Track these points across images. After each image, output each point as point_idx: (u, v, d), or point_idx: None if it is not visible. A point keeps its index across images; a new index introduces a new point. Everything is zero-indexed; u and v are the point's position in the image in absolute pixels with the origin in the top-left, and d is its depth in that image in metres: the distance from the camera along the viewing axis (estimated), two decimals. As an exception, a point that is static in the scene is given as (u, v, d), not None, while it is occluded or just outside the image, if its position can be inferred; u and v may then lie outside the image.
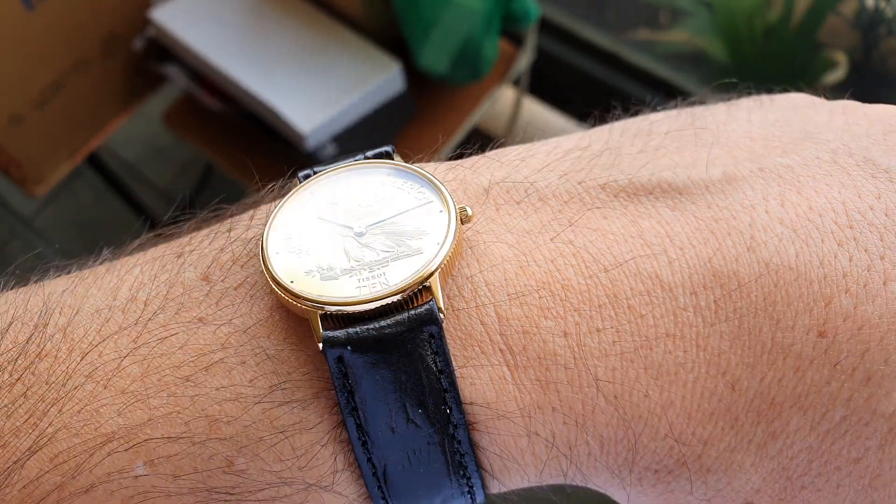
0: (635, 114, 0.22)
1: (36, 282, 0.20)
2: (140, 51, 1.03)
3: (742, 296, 0.16)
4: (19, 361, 0.17)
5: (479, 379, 0.16)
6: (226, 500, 0.17)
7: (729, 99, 0.22)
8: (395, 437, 0.16)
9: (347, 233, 0.18)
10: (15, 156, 0.96)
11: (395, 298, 0.16)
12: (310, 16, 0.99)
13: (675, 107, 0.22)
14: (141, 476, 0.16)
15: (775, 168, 0.17)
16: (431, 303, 0.16)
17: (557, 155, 0.19)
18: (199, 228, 0.20)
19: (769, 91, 0.24)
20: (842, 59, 1.17)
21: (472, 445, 0.16)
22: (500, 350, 0.16)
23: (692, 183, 0.18)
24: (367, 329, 0.16)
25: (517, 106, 1.23)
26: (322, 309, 0.17)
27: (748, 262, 0.16)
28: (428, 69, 0.98)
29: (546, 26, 1.28)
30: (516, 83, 1.18)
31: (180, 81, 1.03)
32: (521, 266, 0.17)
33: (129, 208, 1.24)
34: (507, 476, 0.17)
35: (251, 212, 0.20)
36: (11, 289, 0.20)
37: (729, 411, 0.16)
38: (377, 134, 1.01)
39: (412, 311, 0.16)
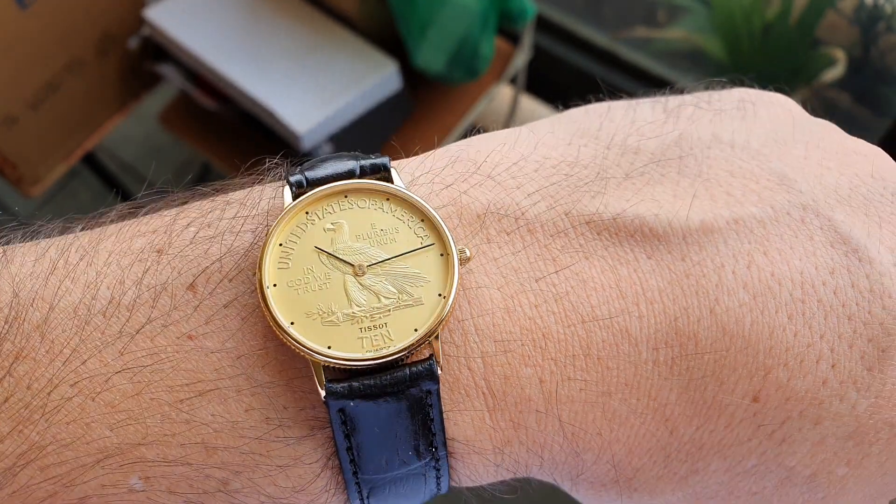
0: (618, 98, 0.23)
1: (1, 254, 0.18)
2: (135, 50, 1.02)
3: (696, 357, 0.18)
4: None
5: (462, 420, 0.18)
6: None
7: (714, 87, 0.23)
8: (386, 470, 0.18)
9: (347, 269, 0.18)
10: (10, 157, 0.96)
11: (398, 356, 0.17)
12: (306, 15, 0.98)
13: (663, 99, 0.22)
14: (136, 490, 0.17)
15: (749, 221, 0.19)
16: (431, 362, 0.17)
17: (547, 171, 0.19)
18: (177, 212, 0.19)
19: (763, 86, 0.24)
20: (840, 55, 1.17)
21: (449, 469, 0.19)
22: (483, 394, 0.18)
23: (671, 231, 0.19)
24: (370, 385, 0.17)
25: (514, 104, 1.22)
26: (327, 362, 0.17)
27: (708, 325, 0.18)
28: (424, 68, 0.97)
29: (543, 24, 1.28)
30: (513, 81, 1.18)
31: (176, 81, 1.03)
32: (508, 311, 0.18)
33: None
34: (468, 483, 0.20)
35: (235, 210, 0.19)
36: None
37: (663, 450, 0.19)
38: (374, 133, 1.01)
39: (413, 368, 0.17)
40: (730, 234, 0.19)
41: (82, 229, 0.19)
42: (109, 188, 1.25)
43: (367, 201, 0.19)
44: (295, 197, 0.19)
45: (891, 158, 0.22)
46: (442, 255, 0.18)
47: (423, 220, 0.19)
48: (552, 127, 0.21)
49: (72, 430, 0.16)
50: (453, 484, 0.19)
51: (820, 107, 1.23)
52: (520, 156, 0.20)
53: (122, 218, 0.20)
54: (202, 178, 1.47)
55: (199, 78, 1.01)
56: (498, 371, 0.18)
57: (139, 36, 1.01)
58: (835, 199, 0.20)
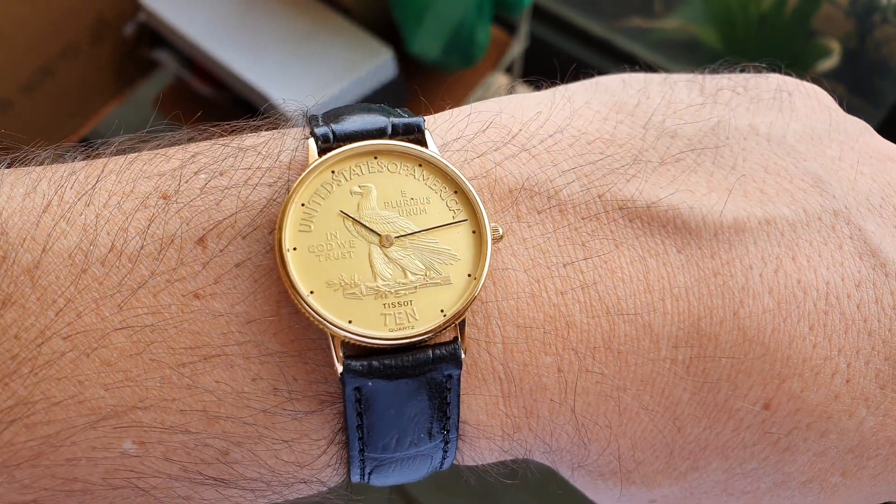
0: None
1: None
2: (131, 36, 1.02)
3: (714, 360, 0.18)
4: None
5: (475, 404, 0.18)
6: (214, 486, 0.16)
7: (757, 71, 0.22)
8: (395, 450, 0.17)
9: (373, 239, 0.17)
10: (4, 141, 0.96)
11: (421, 338, 0.16)
12: (301, 2, 0.98)
13: (700, 79, 0.21)
14: (129, 454, 0.16)
15: (780, 223, 0.19)
16: (456, 346, 0.17)
17: (583, 147, 0.19)
18: (186, 155, 0.17)
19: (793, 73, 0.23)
20: (836, 46, 1.17)
21: (456, 450, 0.18)
22: (500, 379, 0.18)
23: (704, 226, 0.18)
24: (390, 366, 0.16)
25: (510, 93, 1.22)
26: (347, 338, 0.16)
27: (730, 328, 0.18)
28: (420, 55, 0.98)
29: (539, 13, 1.28)
30: (509, 70, 1.18)
31: (172, 67, 1.03)
32: (533, 296, 0.18)
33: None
34: (470, 462, 0.19)
35: (252, 159, 0.18)
36: None
37: (668, 446, 0.19)
38: (369, 120, 1.01)
39: (436, 351, 0.17)
40: (760, 235, 0.19)
41: (78, 160, 0.18)
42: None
43: (399, 165, 0.18)
44: (321, 152, 0.17)
45: None
46: (474, 232, 0.18)
47: (456, 192, 0.18)
48: (587, 95, 0.21)
49: (63, 387, 0.15)
50: (455, 462, 0.19)
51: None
52: (556, 127, 0.19)
53: (122, 152, 0.18)
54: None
55: (195, 64, 1.01)
56: (517, 357, 0.18)
57: (135, 22, 1.01)
58: (866, 208, 0.20)
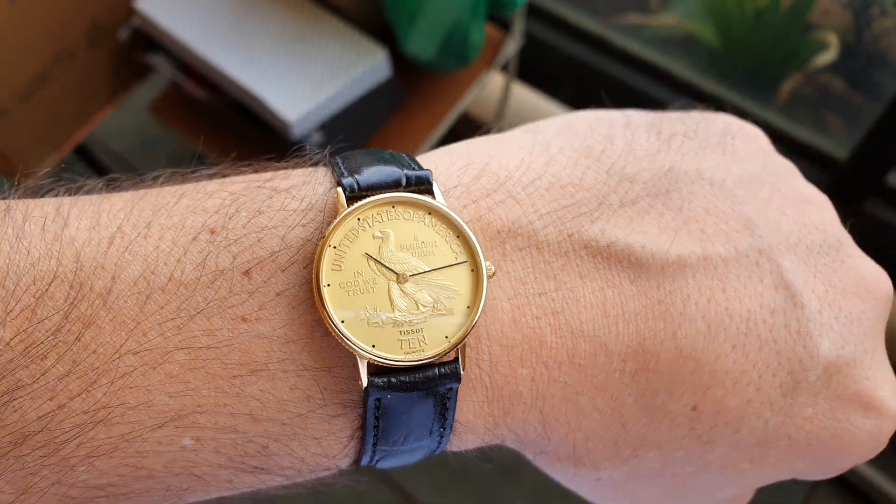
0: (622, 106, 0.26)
1: (55, 214, 0.19)
2: (125, 41, 1.02)
3: (655, 372, 0.22)
4: (66, 326, 0.18)
5: (465, 407, 0.21)
6: (254, 472, 0.20)
7: (701, 110, 0.27)
8: (402, 444, 0.21)
9: (391, 277, 0.21)
10: (1, 149, 0.96)
11: (430, 360, 0.20)
12: (295, 3, 0.98)
13: (657, 124, 0.25)
14: (188, 448, 0.19)
15: (715, 259, 0.23)
16: (456, 365, 0.20)
17: (556, 192, 0.23)
18: (228, 195, 0.20)
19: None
20: (833, 40, 1.17)
21: (447, 443, 0.22)
22: (486, 387, 0.21)
23: (653, 261, 0.22)
24: (404, 381, 0.20)
25: (506, 92, 1.22)
26: (372, 360, 0.20)
27: (669, 347, 0.22)
28: (414, 56, 0.97)
29: (534, 11, 1.27)
30: (504, 69, 1.17)
31: (166, 71, 1.03)
32: (514, 321, 0.21)
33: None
34: (455, 449, 0.23)
35: (286, 200, 0.21)
36: (22, 216, 0.19)
37: (614, 439, 0.23)
38: (364, 122, 1.01)
39: (441, 369, 0.20)
40: (698, 269, 0.23)
41: (128, 189, 0.21)
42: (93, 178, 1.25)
43: (412, 213, 0.21)
44: (348, 200, 0.21)
45: (834, 210, 0.26)
46: (472, 270, 0.21)
47: (458, 237, 0.21)
48: (560, 141, 0.24)
49: (135, 395, 0.18)
50: (443, 450, 0.23)
51: (814, 92, 1.23)
52: (535, 175, 0.23)
53: (164, 184, 0.21)
54: (196, 170, 1.47)
55: (190, 68, 1.01)
56: (500, 370, 0.21)
57: (129, 26, 1.01)
58: (785, 247, 0.24)
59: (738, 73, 1.25)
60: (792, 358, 0.23)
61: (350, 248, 0.20)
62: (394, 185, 0.21)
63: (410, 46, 0.95)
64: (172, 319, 0.19)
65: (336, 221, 0.20)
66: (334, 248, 0.20)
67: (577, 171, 0.23)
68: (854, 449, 0.24)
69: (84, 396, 0.18)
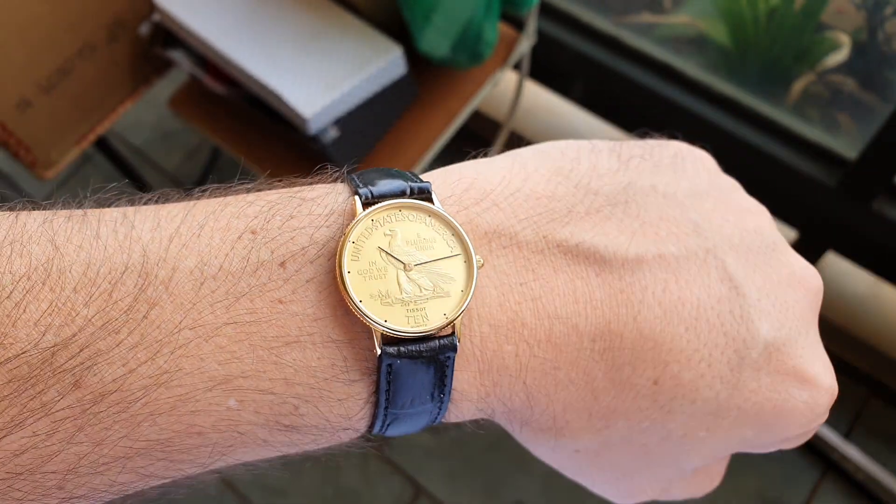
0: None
1: (122, 218, 0.24)
2: (146, 36, 1.04)
3: (620, 350, 0.26)
4: (136, 306, 0.21)
5: (461, 377, 0.25)
6: (286, 431, 0.24)
7: (655, 138, 0.31)
8: (409, 408, 0.25)
9: (399, 266, 0.25)
10: (24, 140, 0.98)
11: (432, 332, 0.24)
12: (312, 1, 1.00)
13: (618, 148, 0.29)
14: (232, 408, 0.22)
15: (668, 257, 0.27)
16: (454, 337, 0.24)
17: (532, 202, 0.27)
18: (266, 204, 0.25)
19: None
20: (846, 40, 1.17)
21: (446, 410, 0.26)
22: (478, 360, 0.25)
23: (615, 258, 0.26)
24: (411, 349, 0.24)
25: (518, 90, 1.23)
26: (385, 331, 0.24)
27: (631, 329, 0.26)
28: (429, 53, 0.99)
29: (547, 10, 1.28)
30: (517, 67, 1.19)
31: (185, 66, 1.05)
32: (500, 305, 0.25)
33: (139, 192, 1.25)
34: (453, 420, 0.27)
35: (314, 208, 0.25)
36: (98, 222, 0.23)
37: (588, 410, 0.27)
38: (378, 117, 1.02)
39: (441, 340, 0.24)
40: (654, 265, 0.27)
41: (177, 200, 0.25)
42: (121, 173, 1.27)
43: (416, 216, 0.26)
44: (364, 206, 0.25)
45: (770, 217, 0.30)
46: (465, 261, 0.25)
47: (453, 234, 0.26)
48: (537, 164, 0.29)
49: (191, 363, 0.22)
50: (443, 420, 0.27)
51: (825, 91, 1.23)
52: (515, 188, 0.27)
53: (212, 195, 0.26)
54: (212, 163, 1.49)
55: (209, 63, 1.03)
56: (490, 346, 0.25)
57: (150, 21, 1.03)
58: (728, 246, 0.28)
59: (750, 72, 1.25)
60: (737, 338, 0.27)
61: (366, 243, 0.25)
62: (400, 194, 0.26)
63: (425, 44, 0.97)
64: (221, 301, 0.22)
65: (354, 221, 0.25)
66: (353, 242, 0.24)
67: (549, 186, 0.27)
68: (794, 418, 0.28)
69: (150, 363, 0.21)
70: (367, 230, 0.25)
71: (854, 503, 1.23)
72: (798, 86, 1.24)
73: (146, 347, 0.21)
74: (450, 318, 0.24)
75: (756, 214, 0.30)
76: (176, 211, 0.24)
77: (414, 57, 1.00)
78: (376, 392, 0.24)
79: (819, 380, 0.28)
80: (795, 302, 0.28)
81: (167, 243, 0.23)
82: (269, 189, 0.26)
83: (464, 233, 0.25)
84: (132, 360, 0.21)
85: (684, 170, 0.30)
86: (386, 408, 0.25)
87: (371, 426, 0.25)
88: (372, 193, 0.26)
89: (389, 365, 0.24)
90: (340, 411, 0.24)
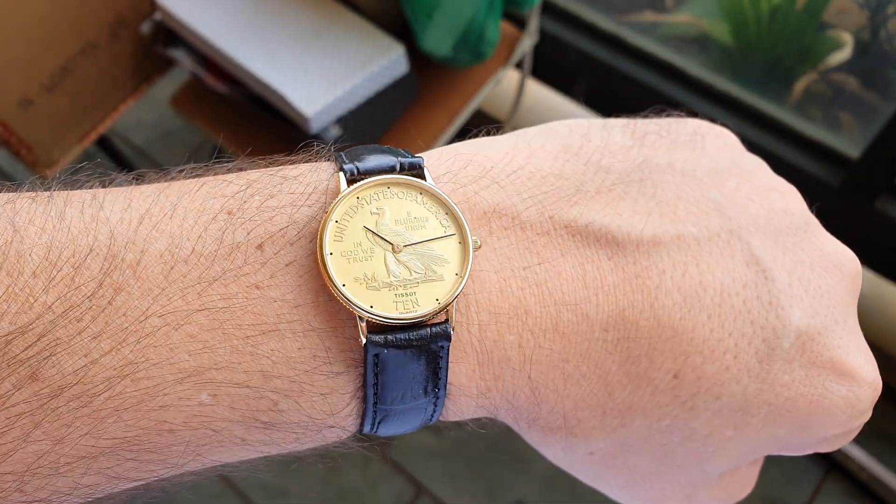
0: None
1: (92, 199, 0.22)
2: (147, 35, 1.04)
3: (636, 340, 0.24)
4: (100, 292, 0.20)
5: (458, 370, 0.23)
6: (265, 429, 0.22)
7: (679, 116, 0.29)
8: (399, 403, 0.23)
9: (387, 247, 0.23)
10: (26, 139, 0.98)
11: (422, 319, 0.22)
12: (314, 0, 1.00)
13: (632, 125, 0.27)
14: (205, 403, 0.21)
15: (688, 238, 0.25)
16: (447, 325, 0.22)
17: (538, 181, 0.25)
18: (244, 183, 0.23)
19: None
20: (848, 39, 1.17)
21: (443, 406, 0.24)
22: (476, 352, 0.23)
23: (629, 240, 0.24)
24: (399, 338, 0.22)
25: (520, 88, 1.23)
26: (370, 318, 0.22)
27: (647, 316, 0.24)
28: (431, 52, 0.99)
29: (549, 8, 1.28)
30: (519, 66, 1.19)
31: (187, 65, 1.05)
32: (501, 291, 0.23)
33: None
34: (453, 417, 0.25)
35: (295, 186, 0.23)
36: (63, 201, 0.21)
37: (601, 407, 0.24)
38: (380, 116, 1.02)
39: (433, 328, 0.22)
40: (672, 247, 0.24)
41: (154, 181, 0.23)
42: (122, 172, 1.27)
43: (406, 193, 0.24)
44: (348, 183, 0.23)
45: (801, 197, 0.28)
46: (460, 242, 0.23)
47: (447, 213, 0.24)
48: (543, 141, 0.26)
49: (159, 353, 0.20)
50: (441, 418, 0.25)
51: (828, 91, 1.23)
52: (518, 165, 0.25)
53: (191, 177, 0.24)
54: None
55: (210, 62, 1.03)
56: (489, 336, 0.23)
57: (151, 20, 1.03)
58: (754, 227, 0.25)
59: (752, 71, 1.25)
60: (765, 326, 0.24)
61: (350, 222, 0.23)
62: (389, 170, 0.24)
63: (427, 42, 0.97)
64: (193, 286, 0.21)
65: (338, 199, 0.23)
66: (336, 222, 0.22)
67: (557, 163, 0.25)
68: (831, 415, 0.25)
69: (114, 353, 0.20)
70: (352, 209, 0.23)
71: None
72: (800, 85, 1.23)
73: (110, 336, 0.20)
74: (442, 304, 0.22)
75: (784, 194, 0.27)
76: (149, 192, 0.22)
77: (416, 55, 0.99)
78: (363, 386, 0.22)
79: (859, 372, 0.25)
80: (831, 287, 0.26)
81: (136, 225, 0.21)
82: (251, 168, 0.24)
83: (458, 211, 0.23)
84: (95, 350, 0.19)
85: (704, 147, 0.27)
86: (375, 403, 0.23)
87: (361, 424, 0.23)
88: (358, 169, 0.23)
89: (376, 355, 0.22)
90: (324, 407, 0.22)
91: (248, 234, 0.22)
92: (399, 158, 0.24)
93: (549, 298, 0.23)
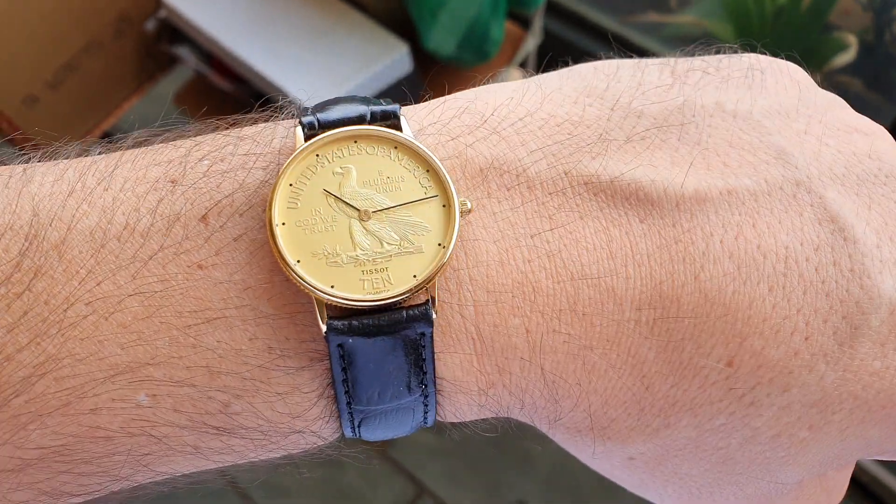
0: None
1: (22, 173, 0.19)
2: (152, 32, 1.04)
3: (677, 320, 0.19)
4: (16, 276, 0.17)
5: (451, 362, 0.19)
6: (219, 435, 0.19)
7: (726, 53, 0.23)
8: (378, 402, 0.19)
9: (353, 214, 0.19)
10: (30, 135, 0.98)
11: (395, 300, 0.18)
12: (318, -3, 1.00)
13: (672, 62, 0.22)
14: (143, 405, 0.18)
15: (742, 193, 0.20)
16: (427, 307, 0.18)
17: (551, 129, 0.20)
18: (192, 144, 0.20)
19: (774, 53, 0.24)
20: (852, 40, 1.17)
21: (436, 405, 0.20)
22: (473, 339, 0.19)
23: (665, 197, 0.19)
24: (367, 324, 0.18)
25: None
26: (330, 300, 0.18)
27: (691, 290, 0.19)
28: (435, 51, 0.99)
29: (553, 8, 1.28)
30: (523, 66, 1.18)
31: (191, 62, 1.05)
32: (502, 263, 0.19)
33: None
34: (453, 419, 0.21)
35: (248, 146, 0.20)
36: None
37: (638, 403, 0.20)
38: (384, 115, 1.02)
39: (410, 311, 0.18)
40: (721, 204, 0.20)
41: (100, 153, 0.20)
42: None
43: (376, 148, 0.20)
44: (307, 138, 0.19)
45: (892, 139, 0.22)
46: (444, 206, 0.19)
47: (428, 171, 0.20)
48: (560, 82, 0.22)
49: (86, 346, 0.17)
50: (438, 419, 0.21)
51: (832, 92, 1.22)
52: (526, 111, 0.20)
53: (137, 145, 0.20)
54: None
55: (214, 59, 1.03)
56: (488, 319, 0.19)
57: (155, 18, 1.03)
58: (829, 177, 0.21)
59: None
60: (846, 300, 0.19)
61: (307, 185, 0.19)
62: (357, 121, 0.20)
63: (431, 41, 0.97)
64: (126, 267, 0.18)
65: (292, 157, 0.19)
66: (291, 185, 0.19)
67: (576, 108, 0.21)
68: None
69: (32, 348, 0.17)
70: (311, 168, 0.19)
71: (858, 505, 1.23)
72: (804, 86, 1.23)
73: (28, 327, 0.17)
74: (420, 280, 0.18)
75: (869, 135, 0.22)
76: (87, 162, 0.19)
77: (420, 54, 0.99)
78: (332, 383, 0.19)
79: None
80: None
81: (64, 198, 0.18)
82: (205, 131, 0.21)
83: (441, 168, 0.19)
84: (9, 345, 0.17)
85: (763, 84, 0.22)
86: (349, 403, 0.19)
87: (340, 428, 0.20)
88: (319, 121, 0.20)
89: (340, 345, 0.18)
90: (284, 409, 0.19)
91: (192, 203, 0.18)
92: (371, 107, 0.20)
93: (565, 272, 0.19)
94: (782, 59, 0.24)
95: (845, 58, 1.18)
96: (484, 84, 0.23)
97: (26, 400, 0.17)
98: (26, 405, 0.17)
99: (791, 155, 0.20)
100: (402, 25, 0.99)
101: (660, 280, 0.19)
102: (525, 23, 1.11)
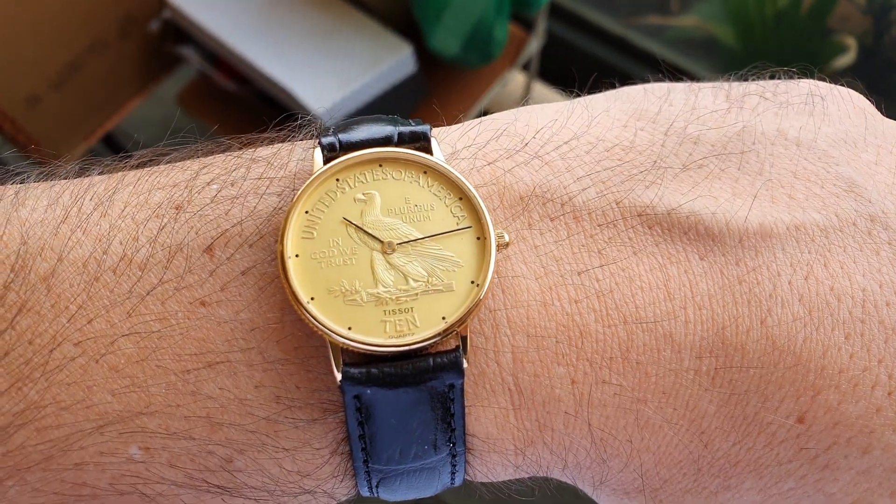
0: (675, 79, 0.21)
1: (14, 196, 0.17)
2: (156, 32, 1.04)
3: (742, 370, 0.17)
4: None
5: (484, 417, 0.17)
6: (220, 494, 0.17)
7: (788, 76, 0.22)
8: (399, 462, 0.17)
9: (375, 245, 0.17)
10: (33, 135, 0.98)
11: (422, 345, 0.16)
12: (323, -2, 1.00)
13: (726, 86, 0.20)
14: (135, 460, 0.16)
15: (811, 228, 0.18)
16: (458, 353, 0.16)
17: (600, 154, 0.18)
18: (200, 166, 0.18)
19: (827, 78, 0.22)
20: (852, 43, 1.18)
21: (465, 464, 0.18)
22: (510, 391, 0.17)
23: (728, 232, 0.18)
24: (389, 373, 0.16)
25: (527, 90, 1.24)
26: (347, 345, 0.16)
27: (757, 337, 0.17)
28: (439, 52, 0.99)
29: (556, 10, 1.29)
30: (526, 67, 1.19)
31: (195, 62, 1.05)
32: (545, 304, 0.17)
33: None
34: (483, 479, 0.19)
35: (262, 169, 0.18)
36: None
37: (695, 463, 0.18)
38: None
39: (437, 359, 0.16)
40: (789, 241, 0.18)
41: (100, 174, 0.18)
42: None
43: (403, 173, 0.18)
44: (326, 161, 0.17)
45: None
46: (479, 238, 0.17)
47: (461, 199, 0.17)
48: (607, 104, 0.20)
49: (72, 393, 0.15)
50: (467, 478, 0.19)
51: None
52: (572, 134, 0.19)
53: (141, 165, 0.19)
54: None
55: (219, 59, 1.03)
56: (528, 368, 0.17)
57: (160, 18, 1.03)
58: None
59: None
60: None
61: (325, 213, 0.17)
62: (383, 142, 0.18)
63: (435, 42, 0.97)
64: (121, 303, 0.16)
65: (308, 182, 0.17)
66: (307, 212, 0.17)
67: (626, 133, 0.19)
68: None
69: (13, 394, 0.15)
70: (330, 194, 0.17)
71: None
72: (805, 89, 1.24)
73: (8, 371, 0.15)
74: (451, 323, 0.16)
75: None
76: (85, 185, 0.17)
77: (424, 55, 1.00)
78: (347, 439, 0.17)
79: None
80: None
81: (57, 224, 0.16)
82: (219, 150, 0.19)
83: (476, 195, 0.17)
84: None
85: (825, 111, 0.20)
86: (366, 461, 0.17)
87: (355, 487, 0.18)
88: (340, 142, 0.18)
89: (357, 397, 0.16)
90: (292, 466, 0.17)
91: (196, 232, 0.17)
92: (398, 128, 0.18)
93: (617, 314, 0.17)
94: (836, 85, 0.22)
95: (845, 61, 1.18)
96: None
97: (3, 453, 0.15)
98: (3, 458, 0.15)
99: (863, 187, 0.19)
100: (407, 26, 1.00)
101: (722, 325, 0.17)
102: (528, 24, 1.12)
